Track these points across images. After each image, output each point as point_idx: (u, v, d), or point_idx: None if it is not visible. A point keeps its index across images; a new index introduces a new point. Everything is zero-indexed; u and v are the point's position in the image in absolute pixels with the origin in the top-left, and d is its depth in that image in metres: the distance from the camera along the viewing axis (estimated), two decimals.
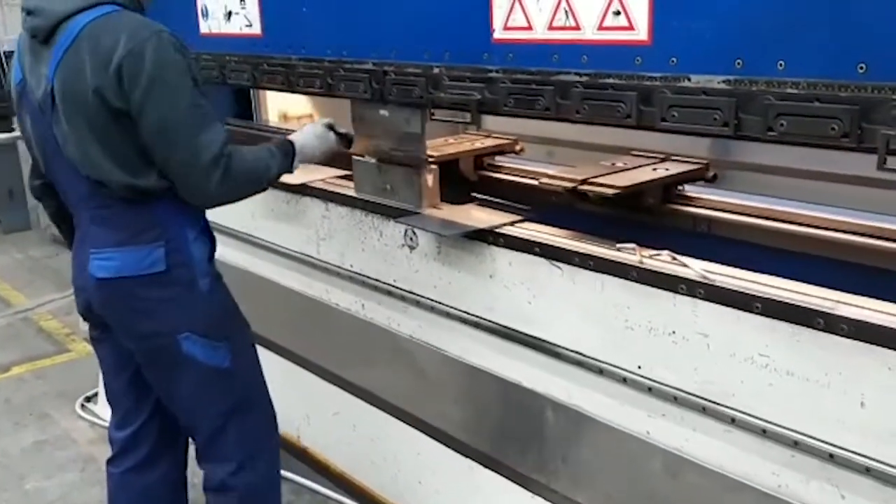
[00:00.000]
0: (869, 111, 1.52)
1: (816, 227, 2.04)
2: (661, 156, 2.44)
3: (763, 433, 1.79)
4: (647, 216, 2.33)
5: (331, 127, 2.57)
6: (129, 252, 2.22)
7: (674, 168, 2.35)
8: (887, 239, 1.93)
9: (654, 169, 2.34)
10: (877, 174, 1.55)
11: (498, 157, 2.90)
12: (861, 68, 1.52)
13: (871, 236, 1.95)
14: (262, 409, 2.55)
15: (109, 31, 2.10)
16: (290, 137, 2.48)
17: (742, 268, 1.90)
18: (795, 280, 1.80)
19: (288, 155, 2.40)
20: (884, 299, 1.67)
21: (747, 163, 2.59)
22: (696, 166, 2.37)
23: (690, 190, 2.36)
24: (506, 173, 2.75)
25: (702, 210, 2.26)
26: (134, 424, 2.54)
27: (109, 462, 2.62)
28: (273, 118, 4.34)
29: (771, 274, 1.85)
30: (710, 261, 1.95)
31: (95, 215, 2.25)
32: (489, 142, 2.89)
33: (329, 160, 2.67)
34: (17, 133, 5.37)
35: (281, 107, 4.34)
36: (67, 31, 2.12)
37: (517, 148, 2.91)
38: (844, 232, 1.98)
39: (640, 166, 2.37)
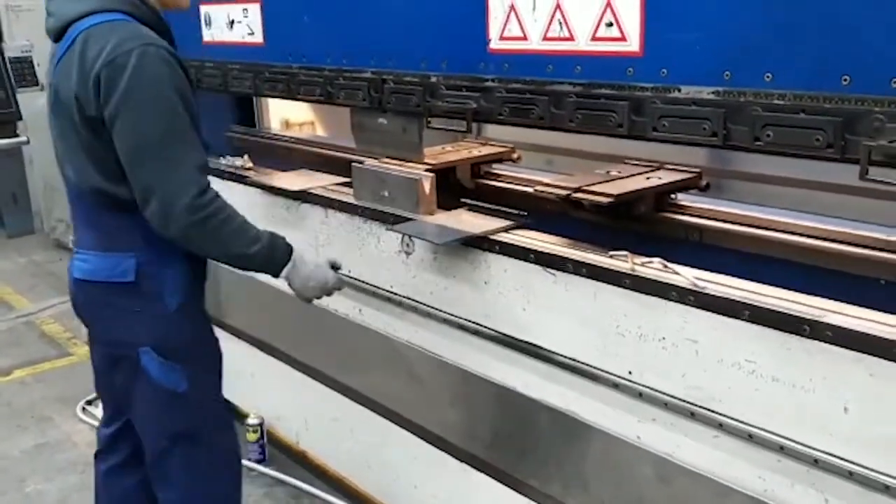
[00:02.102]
0: (852, 122, 1.56)
1: (805, 235, 2.07)
2: (655, 165, 2.48)
3: (749, 438, 1.82)
4: (640, 224, 2.36)
5: (335, 268, 2.46)
6: (104, 258, 2.23)
7: (667, 177, 2.38)
8: (872, 248, 1.96)
9: (648, 178, 2.38)
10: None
11: (495, 165, 2.94)
12: (845, 80, 1.56)
13: (856, 245, 1.98)
14: (216, 447, 2.45)
15: (99, 38, 2.08)
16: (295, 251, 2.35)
17: (733, 276, 1.93)
18: (784, 288, 1.84)
19: (280, 253, 2.29)
20: (868, 307, 1.70)
21: (747, 172, 2.63)
22: (689, 175, 2.40)
23: (683, 198, 2.39)
24: (502, 181, 2.79)
25: (694, 218, 2.29)
26: (117, 423, 2.53)
27: (96, 456, 2.62)
28: (275, 125, 4.39)
29: (761, 282, 1.89)
30: (702, 269, 1.99)
31: (83, 217, 2.27)
32: (486, 150, 2.93)
33: (313, 295, 2.45)
34: (22, 139, 5.41)
35: (283, 114, 4.39)
36: (70, 34, 2.13)
37: (514, 156, 2.95)
38: (832, 241, 2.01)
39: (633, 175, 2.40)
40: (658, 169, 2.46)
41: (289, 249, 2.31)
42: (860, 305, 1.72)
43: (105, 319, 2.33)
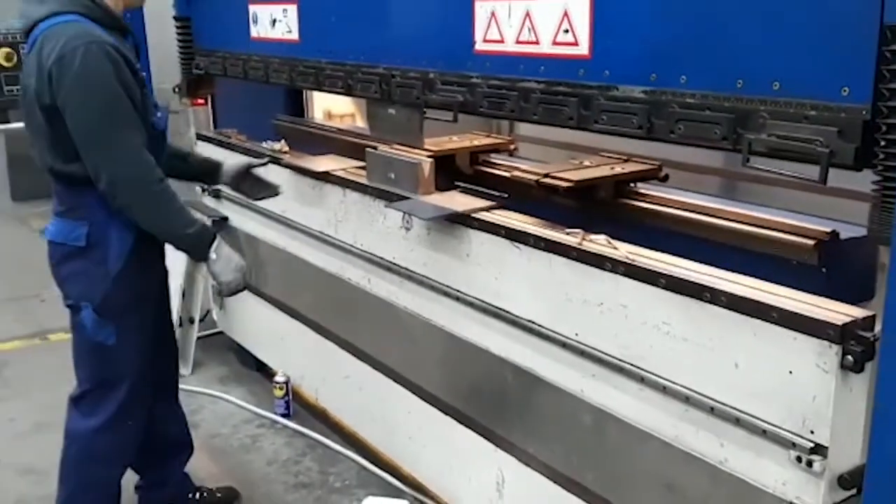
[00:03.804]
0: (743, 119, 1.83)
1: (729, 219, 2.34)
2: (625, 157, 2.77)
3: (664, 390, 2.11)
4: (603, 208, 2.66)
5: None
6: (63, 223, 2.65)
7: (629, 167, 2.67)
8: (773, 229, 2.23)
9: (612, 168, 2.67)
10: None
11: (493, 155, 3.26)
12: (739, 84, 1.84)
13: (762, 226, 2.25)
14: (130, 396, 2.77)
15: (54, 37, 2.43)
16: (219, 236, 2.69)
17: (676, 254, 2.19)
18: (712, 265, 2.11)
19: (208, 237, 2.63)
20: (762, 279, 1.97)
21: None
22: (649, 167, 2.69)
23: (642, 187, 2.68)
24: (496, 168, 3.11)
25: (647, 204, 2.58)
26: None
27: None
28: (318, 115, 4.79)
29: (700, 261, 2.14)
30: (650, 247, 2.26)
31: (53, 189, 2.68)
32: (486, 140, 3.26)
33: (232, 279, 2.71)
34: None
35: (326, 106, 4.79)
36: (33, 35, 2.51)
37: (512, 147, 3.27)
38: (747, 223, 2.29)
39: (601, 165, 2.70)
40: (626, 161, 2.75)
41: (214, 236, 2.65)
42: (770, 281, 1.98)
43: (63, 276, 2.74)
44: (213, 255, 2.65)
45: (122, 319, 2.70)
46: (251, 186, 3.24)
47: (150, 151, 2.59)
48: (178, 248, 2.68)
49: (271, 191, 3.25)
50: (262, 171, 3.26)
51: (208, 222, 2.71)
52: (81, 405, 2.82)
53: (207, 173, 3.23)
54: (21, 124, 5.03)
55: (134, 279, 2.70)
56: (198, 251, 2.67)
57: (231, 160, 3.29)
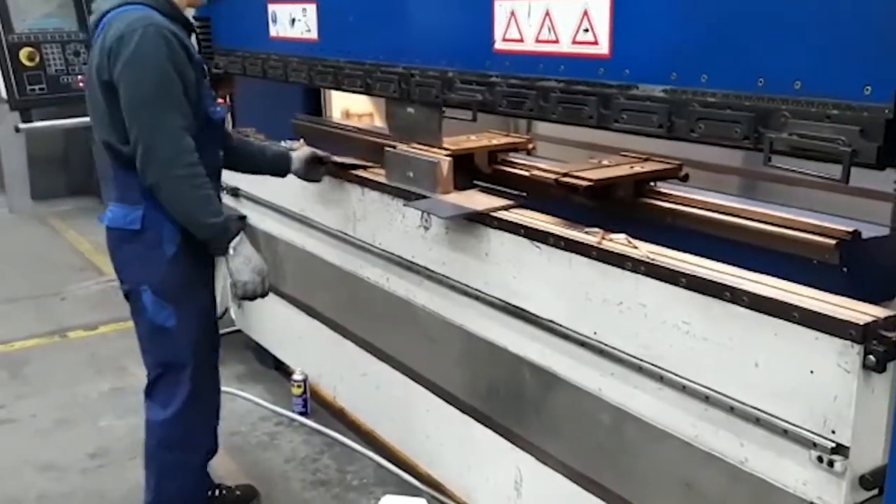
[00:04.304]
0: (764, 118, 1.83)
1: (749, 218, 2.34)
2: (644, 157, 2.76)
3: (683, 389, 2.10)
4: (622, 207, 2.65)
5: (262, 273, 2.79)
6: (120, 208, 2.73)
7: (649, 167, 2.67)
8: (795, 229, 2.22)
9: (632, 167, 2.67)
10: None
11: (511, 154, 3.26)
12: (760, 82, 1.84)
13: (785, 227, 2.24)
14: (198, 379, 2.86)
15: (118, 21, 2.57)
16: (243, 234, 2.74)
17: (696, 254, 2.19)
18: (733, 265, 2.11)
19: (229, 230, 2.67)
20: (783, 278, 1.96)
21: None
22: (669, 166, 2.69)
23: (662, 186, 2.68)
24: (515, 167, 3.11)
25: (667, 203, 2.57)
26: None
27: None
28: (337, 115, 4.80)
29: (721, 260, 2.13)
30: (671, 246, 2.26)
31: (109, 175, 2.78)
32: (504, 140, 3.26)
33: (248, 279, 2.76)
34: None
35: (344, 105, 4.79)
36: (102, 23, 2.63)
37: (530, 146, 3.27)
38: (768, 223, 2.28)
39: (620, 164, 2.70)
40: (646, 161, 2.75)
41: (238, 230, 2.71)
42: (791, 280, 1.98)
43: (120, 260, 2.83)
44: (231, 251, 2.69)
45: (180, 301, 2.77)
46: (312, 173, 3.38)
47: (206, 141, 2.70)
48: (198, 236, 2.70)
49: (321, 175, 3.40)
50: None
51: (238, 219, 2.74)
52: (155, 396, 2.91)
53: (281, 165, 3.33)
54: (43, 123, 5.12)
55: (188, 262, 2.76)
56: (218, 243, 2.71)
57: (297, 151, 3.38)
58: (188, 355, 2.83)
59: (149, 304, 2.75)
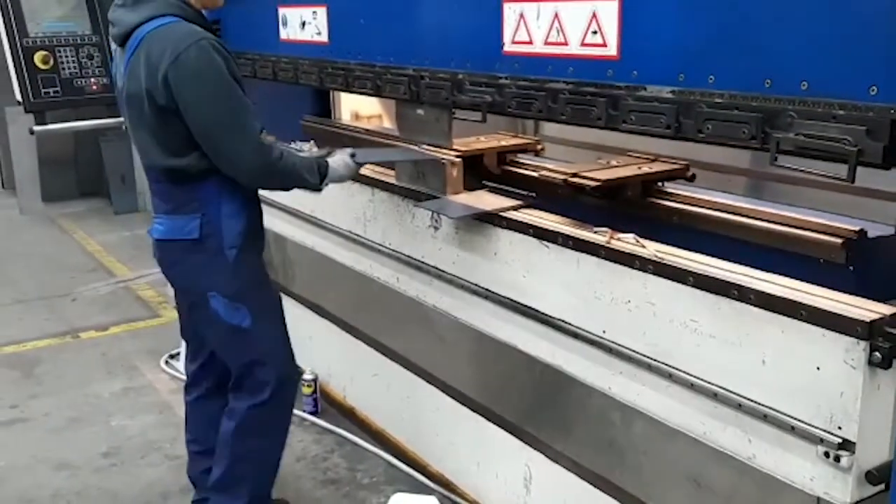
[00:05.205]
0: (771, 118, 1.85)
1: (756, 217, 2.36)
2: (652, 157, 2.79)
3: (691, 387, 2.13)
4: (630, 207, 2.68)
5: (352, 155, 2.94)
6: (174, 219, 2.72)
7: (657, 167, 2.70)
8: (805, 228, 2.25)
9: (640, 167, 2.70)
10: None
11: (520, 155, 3.29)
12: (767, 83, 1.86)
13: (796, 227, 2.27)
14: (282, 373, 2.89)
15: (160, 40, 2.53)
16: (328, 160, 2.87)
17: (705, 253, 2.21)
18: (739, 263, 2.13)
19: (321, 174, 2.81)
20: (790, 277, 1.99)
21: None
22: (676, 166, 2.71)
23: (669, 186, 2.70)
24: (523, 168, 3.13)
25: (674, 203, 2.60)
26: (199, 360, 3.05)
27: (185, 390, 3.18)
28: (346, 116, 4.83)
29: (728, 259, 2.15)
30: (678, 245, 2.29)
31: (155, 188, 2.77)
32: (513, 141, 3.29)
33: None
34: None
35: (353, 107, 4.82)
36: (133, 39, 2.58)
37: (538, 147, 3.30)
38: (776, 223, 2.30)
39: (629, 164, 2.72)
40: (654, 161, 2.77)
41: (326, 165, 2.82)
42: (798, 279, 2.00)
43: (180, 271, 2.84)
44: (330, 172, 2.83)
45: (252, 301, 2.79)
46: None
47: None
48: (304, 189, 2.83)
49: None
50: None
51: (322, 156, 2.93)
52: (241, 390, 2.88)
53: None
54: (56, 125, 5.16)
55: (249, 261, 2.80)
56: (318, 185, 2.82)
57: (336, 154, 3.26)
58: (269, 351, 2.86)
59: (221, 309, 2.75)
